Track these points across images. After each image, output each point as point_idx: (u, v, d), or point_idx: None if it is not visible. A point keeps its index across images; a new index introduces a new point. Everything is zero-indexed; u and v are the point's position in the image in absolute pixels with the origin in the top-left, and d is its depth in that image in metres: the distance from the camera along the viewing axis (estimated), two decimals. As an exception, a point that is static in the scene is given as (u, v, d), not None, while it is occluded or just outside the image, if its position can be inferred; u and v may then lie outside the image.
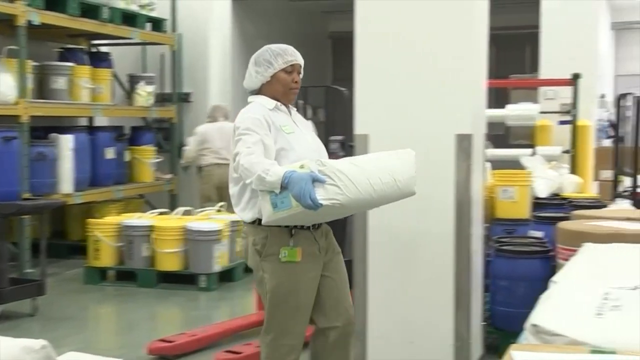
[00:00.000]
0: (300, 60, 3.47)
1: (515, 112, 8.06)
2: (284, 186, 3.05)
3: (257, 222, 3.32)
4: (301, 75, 3.50)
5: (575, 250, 3.42)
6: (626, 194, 6.22)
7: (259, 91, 3.47)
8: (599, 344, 1.92)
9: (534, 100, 8.71)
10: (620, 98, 6.86)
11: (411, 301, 4.25)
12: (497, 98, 9.44)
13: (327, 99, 7.08)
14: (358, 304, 4.20)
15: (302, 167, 3.09)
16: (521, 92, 9.48)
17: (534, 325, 2.10)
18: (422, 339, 4.24)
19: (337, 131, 5.97)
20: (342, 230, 4.54)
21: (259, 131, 3.25)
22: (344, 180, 3.08)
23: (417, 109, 4.17)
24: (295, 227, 3.29)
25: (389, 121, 4.21)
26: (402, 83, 4.20)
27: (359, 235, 4.31)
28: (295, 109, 3.56)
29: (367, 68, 4.26)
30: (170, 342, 4.97)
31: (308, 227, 3.33)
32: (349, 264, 3.83)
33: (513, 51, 12.59)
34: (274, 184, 3.06)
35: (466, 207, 4.17)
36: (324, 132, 6.12)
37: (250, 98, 3.49)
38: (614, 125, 7.48)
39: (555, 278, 2.83)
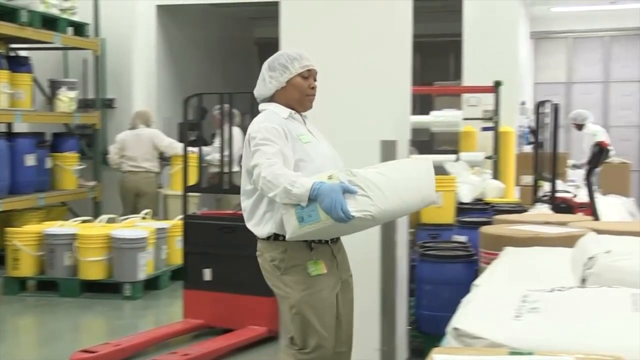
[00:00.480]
0: (315, 66, 3.27)
1: (440, 118, 8.20)
2: (312, 198, 2.86)
3: (272, 237, 3.15)
4: (316, 82, 3.31)
5: (496, 254, 3.48)
6: (545, 198, 6.37)
7: (271, 99, 3.26)
8: (518, 346, 1.96)
9: (458, 106, 8.87)
10: (539, 105, 7.04)
11: (338, 307, 4.26)
12: (422, 104, 9.59)
13: (253, 105, 7.03)
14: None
15: (330, 177, 2.90)
16: (445, 98, 9.65)
17: (456, 329, 2.13)
18: (348, 344, 4.25)
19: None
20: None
21: (278, 141, 3.05)
22: (374, 190, 2.92)
23: (342, 115, 4.20)
24: (314, 240, 3.12)
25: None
26: (327, 89, 4.20)
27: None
28: (307, 118, 3.35)
29: (293, 75, 4.26)
30: (93, 352, 4.88)
31: (327, 241, 3.18)
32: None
33: (437, 58, 12.80)
34: (301, 196, 2.87)
35: (391, 213, 4.20)
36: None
37: (262, 106, 3.27)
38: (534, 132, 7.67)
39: (476, 282, 2.88)
